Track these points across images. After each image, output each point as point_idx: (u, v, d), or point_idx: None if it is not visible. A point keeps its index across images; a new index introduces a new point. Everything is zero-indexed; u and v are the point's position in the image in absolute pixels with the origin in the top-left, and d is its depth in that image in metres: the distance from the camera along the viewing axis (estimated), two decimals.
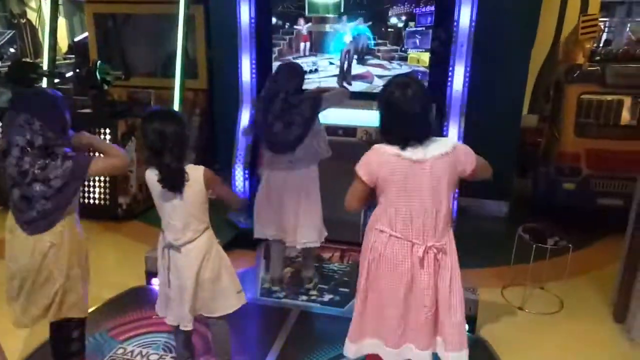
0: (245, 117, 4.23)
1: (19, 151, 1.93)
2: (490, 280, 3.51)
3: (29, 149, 1.93)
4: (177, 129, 2.08)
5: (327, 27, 4.11)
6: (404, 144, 1.94)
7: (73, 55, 7.67)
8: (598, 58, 4.24)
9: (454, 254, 2.06)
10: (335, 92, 3.25)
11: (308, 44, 4.16)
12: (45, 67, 5.32)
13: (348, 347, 2.17)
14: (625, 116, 4.62)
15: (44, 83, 5.18)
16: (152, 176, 2.13)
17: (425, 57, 3.99)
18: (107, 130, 4.47)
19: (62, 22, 7.63)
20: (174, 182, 2.10)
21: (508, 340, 2.93)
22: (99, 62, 4.47)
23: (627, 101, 4.57)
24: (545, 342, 2.97)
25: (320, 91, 3.19)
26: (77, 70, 4.64)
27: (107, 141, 4.45)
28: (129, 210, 4.57)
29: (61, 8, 7.02)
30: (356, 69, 4.14)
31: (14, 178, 1.96)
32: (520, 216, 4.19)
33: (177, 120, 2.12)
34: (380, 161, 1.97)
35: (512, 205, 4.84)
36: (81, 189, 2.16)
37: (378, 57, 4.08)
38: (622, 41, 4.82)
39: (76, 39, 7.61)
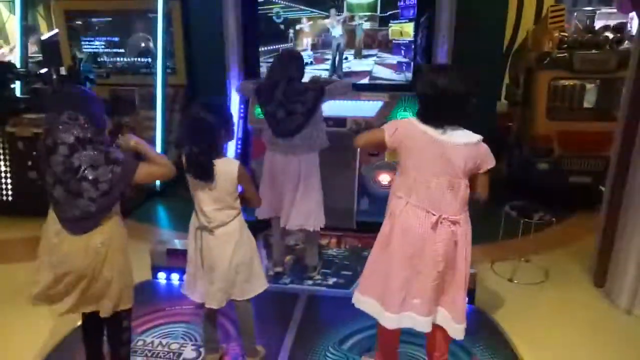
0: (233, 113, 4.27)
1: (67, 149, 1.94)
2: (480, 256, 3.72)
3: (79, 145, 1.95)
4: (213, 122, 2.15)
5: (324, 23, 4.20)
6: (430, 124, 2.06)
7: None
8: (565, 46, 4.53)
9: (469, 232, 2.17)
10: (339, 84, 3.32)
11: (309, 39, 4.26)
12: (18, 66, 5.18)
13: (355, 296, 2.31)
14: (590, 99, 4.98)
15: (18, 83, 5.06)
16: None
17: (409, 27, 4.10)
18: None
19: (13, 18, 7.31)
20: (199, 173, 2.19)
21: (502, 309, 3.17)
22: (82, 60, 4.40)
23: (592, 86, 4.93)
24: (535, 309, 3.23)
25: (325, 82, 3.27)
26: (51, 69, 4.53)
27: None
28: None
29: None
30: (357, 65, 4.27)
31: (58, 175, 1.97)
32: (498, 197, 4.42)
33: (216, 112, 2.19)
34: (407, 131, 2.10)
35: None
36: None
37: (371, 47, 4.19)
38: (570, 30, 5.12)
39: (43, 37, 7.34)
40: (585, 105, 4.92)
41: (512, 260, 3.62)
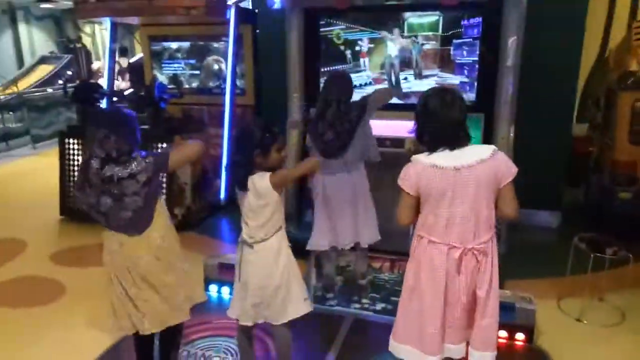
0: (292, 132, 4.35)
1: (99, 162, 2.12)
2: (545, 291, 3.45)
3: (107, 159, 2.12)
4: (255, 134, 2.23)
5: (383, 42, 4.19)
6: (439, 150, 1.99)
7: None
8: None
9: (496, 258, 2.07)
10: (379, 92, 3.36)
11: (367, 59, 4.26)
12: (105, 86, 5.67)
13: (392, 344, 2.24)
14: None
15: (104, 102, 5.54)
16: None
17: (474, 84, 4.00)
18: (164, 145, 4.70)
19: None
20: (237, 181, 2.29)
21: (567, 352, 2.88)
22: (157, 81, 4.72)
23: None
24: (606, 355, 2.90)
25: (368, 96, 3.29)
26: (134, 90, 4.93)
27: None
28: (184, 221, 4.75)
29: None
30: (417, 86, 4.17)
31: (99, 186, 2.12)
32: (572, 227, 4.11)
33: (260, 126, 2.28)
34: (418, 172, 2.02)
35: (563, 215, 4.74)
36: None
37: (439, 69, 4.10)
38: None
39: (131, 60, 8.04)
40: None
41: (582, 297, 3.29)
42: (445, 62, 4.07)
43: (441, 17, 4.02)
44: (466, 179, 1.95)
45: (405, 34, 4.11)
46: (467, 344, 2.15)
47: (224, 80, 5.55)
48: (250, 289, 2.32)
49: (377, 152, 3.28)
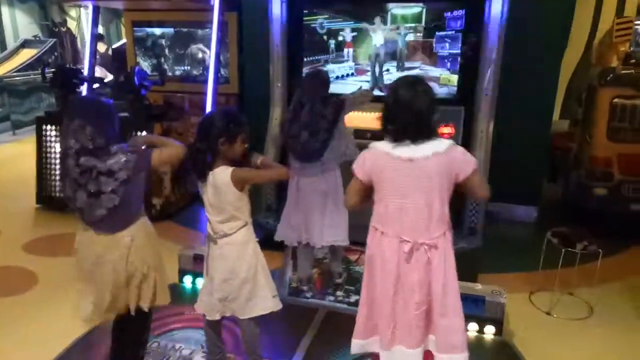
0: (275, 119, 4.32)
1: (75, 154, 2.04)
2: (518, 285, 3.49)
3: (82, 151, 2.03)
4: (216, 123, 2.16)
5: (367, 33, 4.14)
6: (397, 140, 1.97)
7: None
8: (633, 61, 4.16)
9: (450, 254, 2.05)
10: (358, 94, 3.33)
11: (351, 50, 4.22)
12: (86, 72, 5.58)
13: (353, 344, 2.23)
14: None
15: (84, 88, 5.45)
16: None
17: (454, 78, 4.00)
18: (144, 133, 4.64)
19: (99, 29, 8.01)
20: (196, 170, 2.20)
21: (535, 345, 2.92)
22: (137, 67, 4.65)
23: None
24: (573, 348, 2.94)
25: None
26: (115, 76, 4.85)
27: None
28: (162, 211, 4.73)
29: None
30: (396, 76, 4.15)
31: (77, 180, 2.05)
32: (549, 221, 4.13)
33: (224, 116, 2.21)
34: (373, 159, 2.03)
35: (541, 210, 4.79)
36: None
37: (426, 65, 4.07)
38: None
39: (114, 46, 7.91)
40: None
41: (553, 291, 3.33)
42: (427, 55, 4.06)
43: (424, 9, 4.00)
44: (419, 171, 1.95)
45: (388, 25, 4.08)
46: (430, 354, 2.10)
47: (208, 69, 5.50)
48: (215, 283, 2.30)
49: (354, 149, 3.20)
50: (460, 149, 2.02)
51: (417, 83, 2.03)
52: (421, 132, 1.97)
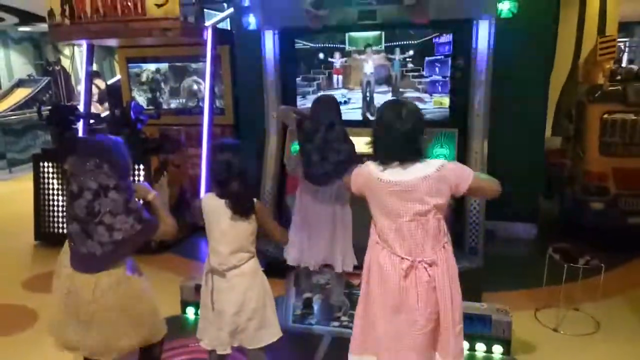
0: (271, 150, 4.37)
1: (92, 194, 2.01)
2: (522, 303, 3.48)
3: (101, 191, 2.02)
4: (243, 159, 2.23)
5: (357, 60, 4.23)
6: (385, 163, 1.98)
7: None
8: (619, 78, 4.27)
9: (452, 266, 2.04)
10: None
11: (341, 77, 4.31)
12: (82, 109, 5.63)
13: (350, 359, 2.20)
14: None
15: (80, 124, 5.49)
16: (210, 201, 2.25)
17: (446, 101, 4.09)
18: (141, 167, 4.67)
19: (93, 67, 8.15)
20: (244, 208, 2.23)
21: None
22: (133, 102, 4.70)
23: None
24: None
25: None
26: (112, 111, 4.90)
27: (142, 178, 4.66)
28: (161, 243, 4.69)
29: None
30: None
31: (78, 216, 2.04)
32: (549, 238, 4.16)
33: (242, 150, 2.28)
34: (365, 180, 2.06)
35: (539, 227, 4.81)
36: None
37: (418, 90, 4.15)
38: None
39: (109, 82, 8.01)
40: None
41: (558, 307, 3.32)
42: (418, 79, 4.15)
43: (383, 33, 4.09)
44: (409, 195, 1.94)
45: (377, 48, 4.17)
46: None
47: (203, 100, 5.57)
48: (226, 316, 2.26)
49: None
50: (452, 164, 2.01)
51: (402, 105, 2.03)
52: (408, 154, 1.97)
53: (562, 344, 3.11)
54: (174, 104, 6.04)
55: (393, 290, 1.99)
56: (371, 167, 2.04)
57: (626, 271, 3.99)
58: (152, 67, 6.00)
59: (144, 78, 6.06)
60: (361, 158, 3.06)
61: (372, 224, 2.11)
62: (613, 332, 3.21)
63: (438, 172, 1.95)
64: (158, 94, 6.05)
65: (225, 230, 2.24)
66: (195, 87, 5.99)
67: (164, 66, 5.97)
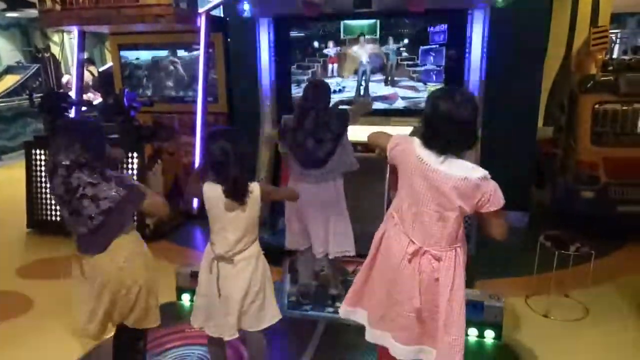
0: (265, 138, 4.37)
1: (65, 169, 2.04)
2: (514, 289, 3.54)
3: (75, 167, 2.04)
4: (240, 146, 2.21)
5: (352, 49, 4.23)
6: (434, 150, 1.92)
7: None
8: (611, 68, 4.31)
9: (460, 272, 2.00)
10: (358, 105, 3.42)
11: (336, 65, 4.30)
12: (73, 96, 5.58)
13: (342, 309, 2.29)
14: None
15: (73, 111, 5.44)
16: (211, 190, 2.24)
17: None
18: (135, 154, 4.65)
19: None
20: (240, 194, 2.21)
21: (534, 348, 2.96)
22: (126, 89, 4.67)
23: None
24: (571, 349, 2.99)
25: (346, 102, 3.41)
26: (104, 99, 4.86)
27: (135, 165, 4.64)
28: (156, 231, 4.70)
29: None
30: (383, 90, 4.25)
31: (61, 197, 2.07)
32: (540, 226, 4.21)
33: (239, 137, 2.25)
34: (404, 152, 2.01)
35: (531, 216, 4.87)
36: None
37: (413, 79, 4.17)
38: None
39: (101, 69, 7.93)
40: (635, 129, 4.59)
41: (549, 294, 3.38)
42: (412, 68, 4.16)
43: (379, 22, 4.09)
44: (441, 185, 1.90)
45: (372, 37, 4.17)
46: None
47: (195, 88, 5.52)
48: (233, 301, 2.26)
49: (355, 161, 3.29)
50: (493, 184, 1.90)
51: (457, 92, 1.94)
52: (460, 145, 1.92)
53: (552, 329, 3.17)
54: (167, 91, 5.97)
55: (393, 266, 2.02)
56: (416, 143, 1.98)
57: (615, 258, 4.07)
58: (144, 53, 5.91)
59: (127, 73, 5.96)
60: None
61: (395, 197, 2.10)
62: (602, 318, 3.28)
63: (479, 181, 1.88)
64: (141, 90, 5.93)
65: (231, 216, 2.24)
66: (171, 67, 5.90)
67: (156, 53, 5.88)
